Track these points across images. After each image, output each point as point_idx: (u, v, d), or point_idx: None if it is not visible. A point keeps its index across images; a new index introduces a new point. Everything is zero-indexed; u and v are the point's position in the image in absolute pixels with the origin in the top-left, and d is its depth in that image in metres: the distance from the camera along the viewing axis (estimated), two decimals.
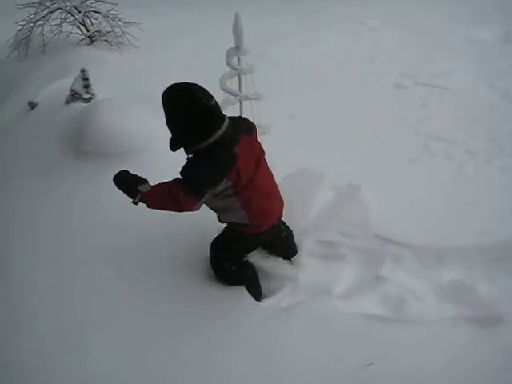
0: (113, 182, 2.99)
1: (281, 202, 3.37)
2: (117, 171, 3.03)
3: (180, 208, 2.89)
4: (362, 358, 2.93)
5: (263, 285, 3.52)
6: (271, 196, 3.24)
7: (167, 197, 2.85)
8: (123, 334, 3.07)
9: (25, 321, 3.14)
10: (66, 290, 3.30)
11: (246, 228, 3.18)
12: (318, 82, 6.24)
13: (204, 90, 2.80)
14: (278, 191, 3.34)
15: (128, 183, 2.96)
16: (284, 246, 3.72)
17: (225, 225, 3.35)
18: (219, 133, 2.79)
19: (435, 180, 4.32)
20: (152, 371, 2.88)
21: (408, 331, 3.14)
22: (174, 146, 2.86)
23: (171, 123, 2.83)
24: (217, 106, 2.83)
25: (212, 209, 3.17)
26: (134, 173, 3.02)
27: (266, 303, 3.39)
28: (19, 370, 2.89)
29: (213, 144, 2.79)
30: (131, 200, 2.93)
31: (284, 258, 3.70)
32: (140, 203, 2.94)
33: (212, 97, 2.81)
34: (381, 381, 2.85)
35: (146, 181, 2.96)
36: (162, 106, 2.81)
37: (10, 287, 3.31)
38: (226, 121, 2.86)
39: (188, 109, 2.73)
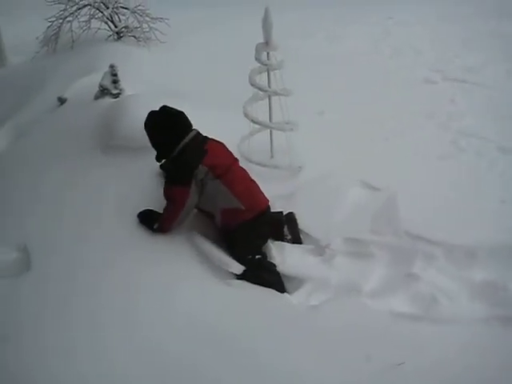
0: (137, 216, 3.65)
1: (264, 195, 3.73)
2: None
3: (178, 205, 3.50)
4: (393, 357, 2.88)
5: (292, 282, 3.50)
6: (252, 184, 3.71)
7: (167, 204, 3.53)
8: None
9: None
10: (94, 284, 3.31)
11: (242, 214, 3.52)
12: (345, 77, 6.20)
13: (168, 109, 3.64)
14: (258, 187, 3.74)
15: (146, 219, 3.63)
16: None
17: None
18: (189, 136, 3.57)
19: (466, 177, 4.26)
20: None
21: (440, 331, 3.09)
22: (159, 158, 3.71)
23: (153, 140, 3.67)
24: (184, 116, 3.65)
25: (206, 206, 3.62)
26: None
27: (294, 300, 3.36)
28: None
29: (187, 143, 3.55)
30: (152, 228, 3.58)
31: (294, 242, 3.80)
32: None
33: (175, 113, 3.63)
34: (412, 380, 2.80)
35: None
36: (148, 130, 3.66)
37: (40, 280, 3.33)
38: (195, 130, 3.64)
39: (161, 122, 3.60)
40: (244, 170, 3.76)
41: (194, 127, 3.67)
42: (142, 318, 3.05)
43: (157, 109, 3.68)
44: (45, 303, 3.17)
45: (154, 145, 3.69)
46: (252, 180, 3.73)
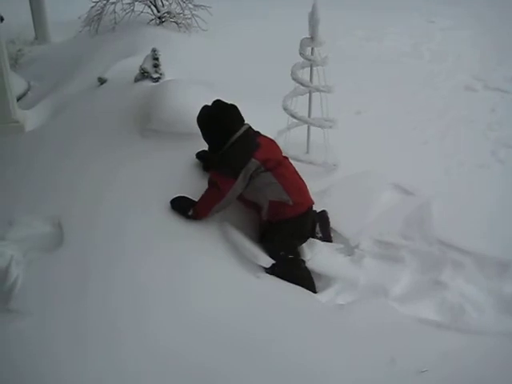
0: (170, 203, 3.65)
1: (310, 195, 3.72)
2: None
3: (219, 194, 3.50)
4: (417, 363, 2.86)
5: (320, 280, 3.50)
6: (302, 182, 3.70)
7: (208, 189, 3.55)
8: None
9: None
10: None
11: (288, 209, 3.50)
12: (384, 78, 6.13)
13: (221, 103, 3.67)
14: (306, 185, 3.74)
15: (180, 206, 3.63)
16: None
17: None
18: (241, 130, 3.59)
19: (503, 187, 4.20)
20: None
21: (465, 341, 3.07)
22: (215, 151, 3.67)
23: (207, 135, 3.70)
24: (237, 110, 3.70)
25: (253, 197, 3.60)
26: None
27: (322, 298, 3.37)
28: None
29: (239, 137, 3.57)
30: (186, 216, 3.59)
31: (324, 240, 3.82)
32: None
33: (228, 107, 3.66)
34: None
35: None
36: (201, 125, 3.71)
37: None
38: (247, 124, 3.67)
39: (215, 116, 3.64)
40: (294, 167, 3.76)
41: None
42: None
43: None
44: (72, 280, 3.21)
45: (207, 139, 3.73)
46: (301, 178, 3.72)
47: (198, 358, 2.77)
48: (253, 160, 3.49)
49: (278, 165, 3.59)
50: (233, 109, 3.69)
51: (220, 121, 3.62)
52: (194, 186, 3.70)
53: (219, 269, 3.42)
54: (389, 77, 6.15)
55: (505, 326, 3.20)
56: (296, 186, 3.63)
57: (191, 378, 2.67)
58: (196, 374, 2.69)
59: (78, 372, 2.68)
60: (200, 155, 3.99)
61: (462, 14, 8.52)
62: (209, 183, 3.60)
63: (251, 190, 3.56)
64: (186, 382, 2.67)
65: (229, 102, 3.74)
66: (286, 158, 3.79)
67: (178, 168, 3.93)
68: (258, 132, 3.70)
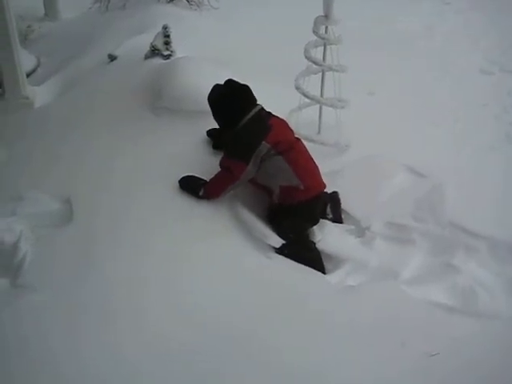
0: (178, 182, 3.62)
1: (322, 179, 3.66)
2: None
3: (233, 177, 3.46)
4: (427, 346, 2.87)
5: (330, 261, 3.48)
6: (314, 165, 3.64)
7: (221, 172, 3.49)
8: None
9: None
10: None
11: (300, 193, 3.45)
12: (397, 60, 6.01)
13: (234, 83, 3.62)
14: (318, 169, 3.67)
15: (190, 185, 3.60)
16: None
17: None
18: (253, 111, 3.52)
19: None
20: None
21: (476, 325, 3.06)
22: (225, 131, 3.61)
23: (217, 114, 3.63)
24: (249, 91, 3.61)
25: (264, 181, 3.55)
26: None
27: (332, 279, 3.34)
28: None
29: (251, 119, 3.50)
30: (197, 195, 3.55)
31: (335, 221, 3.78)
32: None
33: (240, 87, 3.59)
34: (445, 372, 2.77)
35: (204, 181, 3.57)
36: (212, 104, 3.63)
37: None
38: (260, 105, 3.59)
39: (227, 96, 3.57)
40: (306, 149, 3.68)
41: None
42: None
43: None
44: (77, 259, 3.23)
45: (217, 118, 3.67)
46: (313, 161, 3.65)
47: (198, 346, 2.78)
48: (264, 143, 3.43)
49: (290, 148, 3.52)
50: (245, 89, 3.62)
51: (231, 101, 3.56)
52: (204, 164, 3.68)
53: (229, 249, 3.41)
54: (401, 59, 6.02)
55: None
56: (308, 170, 3.58)
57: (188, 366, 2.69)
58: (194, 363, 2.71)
59: (70, 353, 2.71)
60: (210, 133, 3.94)
61: None
62: (221, 166, 3.55)
63: (262, 174, 3.52)
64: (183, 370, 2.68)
65: (240, 80, 3.70)
66: (299, 139, 3.73)
67: (188, 145, 3.91)
68: (269, 113, 3.64)
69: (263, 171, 3.49)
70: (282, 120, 3.72)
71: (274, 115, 3.65)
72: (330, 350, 2.81)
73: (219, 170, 3.53)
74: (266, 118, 3.58)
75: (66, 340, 2.77)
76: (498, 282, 3.36)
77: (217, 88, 3.65)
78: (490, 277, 3.40)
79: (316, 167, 3.64)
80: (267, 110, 3.67)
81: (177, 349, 2.76)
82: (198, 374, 2.67)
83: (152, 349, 2.74)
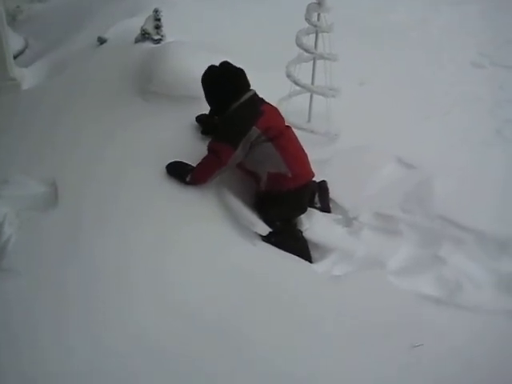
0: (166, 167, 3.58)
1: (311, 167, 3.64)
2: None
3: (220, 162, 3.42)
4: (412, 338, 2.85)
5: (317, 250, 3.46)
6: (303, 153, 3.61)
7: (208, 155, 3.45)
8: None
9: None
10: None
11: (287, 180, 3.42)
12: (390, 50, 5.98)
13: (229, 66, 3.57)
14: (307, 157, 3.64)
15: (177, 171, 3.55)
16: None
17: None
18: (247, 96, 3.50)
19: (507, 165, 4.10)
20: None
21: (462, 317, 3.04)
22: (217, 113, 3.62)
23: (210, 95, 3.59)
24: (244, 75, 3.58)
25: (252, 167, 3.53)
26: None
27: (318, 268, 3.33)
28: None
29: (243, 103, 3.47)
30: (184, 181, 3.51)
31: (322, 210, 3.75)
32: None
33: (235, 70, 3.56)
34: (428, 363, 2.76)
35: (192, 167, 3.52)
36: (206, 85, 3.59)
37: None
38: (253, 90, 3.56)
39: (221, 78, 3.53)
40: (296, 137, 3.66)
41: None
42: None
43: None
44: (62, 243, 3.19)
45: (209, 100, 3.63)
46: (303, 149, 3.63)
47: (186, 339, 2.76)
48: (254, 128, 3.40)
49: (279, 134, 3.49)
50: (240, 72, 3.59)
51: (226, 83, 3.52)
52: (193, 150, 3.64)
53: (216, 236, 3.38)
54: (394, 50, 5.99)
55: (501, 303, 3.16)
56: (297, 158, 3.55)
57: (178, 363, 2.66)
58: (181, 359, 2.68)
59: (56, 341, 2.67)
60: (200, 119, 3.90)
61: None
62: (208, 150, 3.51)
63: (251, 159, 3.50)
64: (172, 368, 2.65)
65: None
66: (289, 127, 3.70)
67: (178, 131, 3.87)
68: (262, 99, 3.61)
69: (251, 157, 3.47)
70: (274, 107, 3.69)
71: (266, 102, 3.62)
72: (315, 341, 2.80)
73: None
74: (258, 103, 3.55)
75: (51, 326, 2.73)
76: (484, 275, 3.34)
77: (212, 69, 3.60)
78: (477, 269, 3.38)
79: (305, 155, 3.62)
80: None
81: (165, 340, 2.73)
82: (186, 367, 2.64)
83: (140, 341, 2.71)
